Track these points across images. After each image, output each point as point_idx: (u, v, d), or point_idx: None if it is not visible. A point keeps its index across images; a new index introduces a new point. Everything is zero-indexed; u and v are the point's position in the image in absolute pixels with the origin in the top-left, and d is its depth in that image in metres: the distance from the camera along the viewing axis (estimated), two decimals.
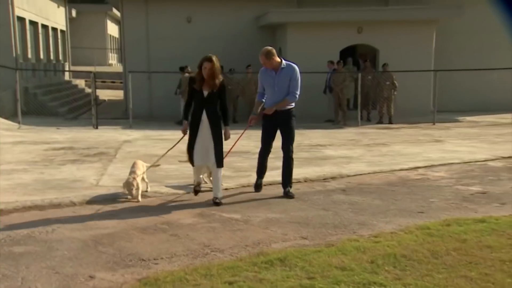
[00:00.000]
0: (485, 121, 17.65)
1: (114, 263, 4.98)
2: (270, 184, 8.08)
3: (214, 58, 6.96)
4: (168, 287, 4.33)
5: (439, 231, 5.76)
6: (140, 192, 7.22)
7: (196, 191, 7.39)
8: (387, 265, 4.78)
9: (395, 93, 17.40)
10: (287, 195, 7.41)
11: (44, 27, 24.32)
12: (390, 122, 17.31)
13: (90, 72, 19.59)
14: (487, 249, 5.22)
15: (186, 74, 17.92)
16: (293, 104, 7.46)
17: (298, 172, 8.32)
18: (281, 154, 7.61)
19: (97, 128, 16.04)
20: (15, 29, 19.62)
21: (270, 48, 7.44)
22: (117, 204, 7.17)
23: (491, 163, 10.17)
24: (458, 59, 19.44)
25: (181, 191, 7.74)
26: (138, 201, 7.11)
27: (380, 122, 17.53)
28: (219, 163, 7.04)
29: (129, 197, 7.17)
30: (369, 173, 9.14)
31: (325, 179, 8.64)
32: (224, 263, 4.91)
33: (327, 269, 4.69)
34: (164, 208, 6.95)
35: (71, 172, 9.14)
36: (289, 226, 6.10)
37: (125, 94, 20.17)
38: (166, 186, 8.11)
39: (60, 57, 27.33)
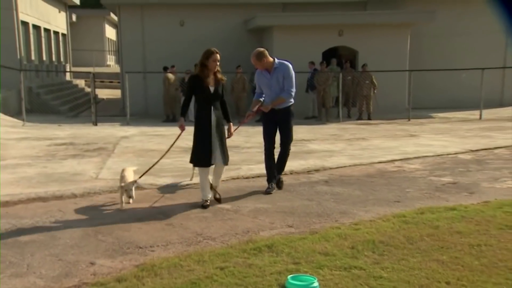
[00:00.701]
0: (455, 117, 17.77)
1: (113, 250, 4.97)
2: (258, 176, 8.08)
3: (217, 49, 6.51)
4: (163, 273, 4.33)
5: (414, 219, 5.80)
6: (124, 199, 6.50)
7: (206, 206, 6.43)
8: (367, 251, 4.80)
9: (375, 91, 17.47)
10: (277, 184, 7.26)
11: (46, 30, 24.24)
12: (369, 118, 17.37)
13: (90, 72, 19.54)
14: (457, 234, 5.26)
15: (169, 74, 17.96)
16: (292, 101, 7.09)
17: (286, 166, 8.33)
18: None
19: (96, 125, 15.99)
20: (19, 33, 19.63)
21: (261, 49, 7.08)
22: (115, 195, 7.14)
23: (461, 156, 10.23)
24: (431, 60, 19.55)
25: (175, 183, 7.73)
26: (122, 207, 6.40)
27: (360, 118, 17.58)
28: (227, 160, 6.61)
29: (131, 201, 6.55)
30: (350, 165, 9.16)
31: (309, 172, 8.66)
32: (215, 250, 4.91)
33: (311, 254, 4.71)
34: (160, 199, 6.94)
35: (72, 166, 9.11)
36: (276, 215, 6.11)
37: (122, 93, 20.13)
38: (161, 178, 8.08)
39: (61, 59, 27.24)
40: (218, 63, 6.42)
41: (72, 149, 11.02)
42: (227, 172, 8.42)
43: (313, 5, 20.07)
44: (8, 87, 17.93)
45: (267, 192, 7.06)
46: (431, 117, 17.90)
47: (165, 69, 18.16)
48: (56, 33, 26.07)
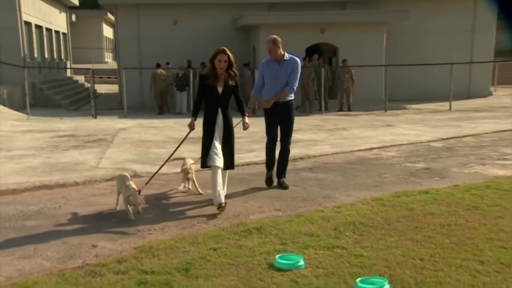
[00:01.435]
0: (427, 108, 17.86)
1: (113, 234, 4.95)
2: (248, 164, 8.09)
3: (227, 49, 5.65)
4: (160, 254, 4.32)
5: (391, 202, 5.84)
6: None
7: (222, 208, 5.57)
8: (348, 231, 4.83)
9: (354, 84, 17.50)
10: (281, 185, 6.61)
11: (48, 30, 24.04)
12: (349, 110, 17.39)
13: (89, 69, 19.31)
14: (430, 215, 5.31)
15: (157, 71, 17.91)
16: (293, 95, 6.54)
17: None
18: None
19: (95, 117, 15.88)
20: (22, 32, 19.49)
21: (276, 36, 6.47)
22: (114, 183, 7.10)
23: (433, 144, 10.30)
24: (405, 56, 19.61)
25: (170, 172, 7.70)
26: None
27: (340, 110, 17.59)
28: (231, 164, 5.90)
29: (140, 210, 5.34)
30: (332, 153, 9.19)
31: (294, 160, 8.64)
32: (208, 233, 4.91)
33: (297, 236, 4.73)
34: (156, 186, 6.91)
35: (74, 156, 9.05)
36: (264, 200, 6.11)
37: (120, 88, 20.01)
38: (157, 167, 8.04)
39: (62, 56, 27.03)
40: (227, 63, 5.61)
41: (73, 141, 10.94)
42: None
43: (297, 4, 20.03)
44: (13, 83, 17.85)
45: (267, 178, 6.67)
46: (405, 108, 17.97)
47: (158, 65, 18.08)
48: (57, 32, 25.87)
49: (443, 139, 10.84)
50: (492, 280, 3.77)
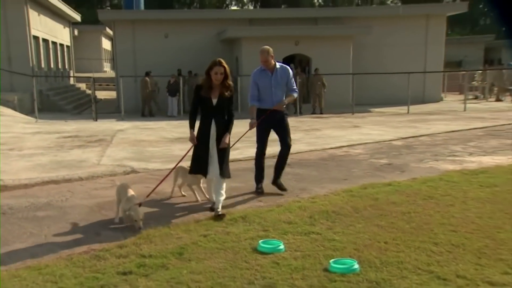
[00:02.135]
0: (389, 111, 18.01)
1: (114, 223, 4.92)
2: (232, 161, 8.07)
3: (223, 61, 5.08)
4: (157, 240, 4.32)
5: (359, 193, 5.89)
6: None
7: (217, 214, 5.02)
8: (322, 219, 4.87)
9: (325, 90, 17.58)
10: (280, 187, 6.11)
11: (54, 43, 23.78)
12: (321, 113, 17.46)
13: (90, 77, 19.18)
14: (392, 204, 5.37)
15: (146, 78, 17.83)
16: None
17: (253, 152, 8.32)
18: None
19: (96, 120, 15.71)
20: (31, 45, 19.28)
21: (268, 47, 5.94)
22: (114, 177, 7.07)
23: (394, 142, 10.39)
24: (369, 65, 19.75)
25: (164, 168, 7.66)
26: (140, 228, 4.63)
27: (313, 113, 17.65)
28: (226, 173, 5.22)
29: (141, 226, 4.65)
30: (307, 151, 9.22)
31: (274, 156, 8.52)
32: (199, 221, 4.92)
33: (277, 223, 4.75)
34: (152, 181, 6.87)
35: (78, 155, 8.95)
36: (248, 192, 6.12)
37: (117, 94, 19.76)
38: (152, 163, 8.02)
39: (66, 66, 26.71)
40: (223, 75, 5.03)
41: (77, 141, 10.82)
42: None
43: (274, 20, 20.07)
44: (23, 90, 17.67)
45: (258, 191, 6.02)
46: (370, 111, 18.12)
47: (147, 74, 18.04)
48: (61, 45, 25.59)
49: (402, 138, 10.93)
50: (444, 258, 3.85)
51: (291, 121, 15.26)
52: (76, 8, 28.30)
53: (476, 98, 22.61)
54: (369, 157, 8.65)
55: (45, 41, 22.06)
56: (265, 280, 3.46)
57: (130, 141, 10.80)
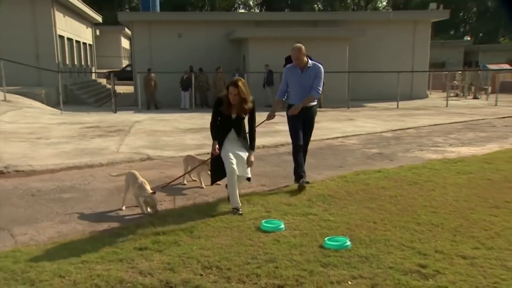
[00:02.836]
0: (380, 106, 17.94)
1: (132, 204, 4.95)
2: None
3: (240, 83, 4.47)
4: (170, 220, 4.34)
5: (352, 179, 5.92)
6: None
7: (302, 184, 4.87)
8: (319, 202, 4.89)
9: (324, 87, 17.47)
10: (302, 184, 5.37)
11: (77, 42, 23.75)
12: (320, 107, 17.26)
13: (110, 73, 19.17)
14: (381, 189, 5.39)
15: (152, 75, 17.75)
16: (315, 101, 5.61)
17: (258, 142, 8.28)
18: None
19: (115, 112, 15.71)
20: (57, 44, 19.26)
21: (301, 44, 5.44)
22: (132, 163, 7.11)
23: (384, 134, 10.39)
24: (363, 65, 19.63)
25: (177, 155, 7.71)
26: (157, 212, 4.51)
27: None
28: (251, 145, 4.72)
29: (147, 211, 4.57)
30: None
31: (276, 146, 8.70)
32: (208, 203, 4.95)
33: (279, 205, 4.78)
34: (165, 167, 6.92)
35: (99, 143, 8.99)
36: (252, 178, 6.02)
37: (135, 89, 19.80)
38: (166, 151, 8.05)
39: (89, 63, 26.70)
40: (237, 96, 4.46)
41: (98, 131, 10.86)
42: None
43: (278, 22, 19.94)
44: (50, 85, 17.67)
45: (301, 185, 5.34)
46: (364, 106, 18.05)
47: (149, 70, 18.00)
48: (84, 44, 25.55)
49: (392, 130, 10.94)
50: (425, 236, 3.88)
51: None
52: (98, 10, 28.18)
53: (456, 95, 22.67)
54: (362, 147, 8.66)
55: (70, 40, 22.06)
56: (267, 256, 3.49)
57: (146, 131, 10.83)
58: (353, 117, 13.94)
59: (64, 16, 20.74)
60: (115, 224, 4.31)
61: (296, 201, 4.91)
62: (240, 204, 4.62)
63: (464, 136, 9.94)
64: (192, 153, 6.33)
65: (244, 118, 4.68)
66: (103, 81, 27.77)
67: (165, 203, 5.01)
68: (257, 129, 4.86)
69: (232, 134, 4.65)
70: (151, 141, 9.26)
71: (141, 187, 4.58)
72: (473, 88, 22.41)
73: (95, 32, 30.11)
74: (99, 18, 27.27)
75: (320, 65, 5.49)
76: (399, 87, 17.58)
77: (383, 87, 19.87)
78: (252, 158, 4.61)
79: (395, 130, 10.98)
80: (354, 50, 19.33)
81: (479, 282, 3.07)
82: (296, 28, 19.15)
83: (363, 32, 18.91)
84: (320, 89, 5.43)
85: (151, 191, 4.56)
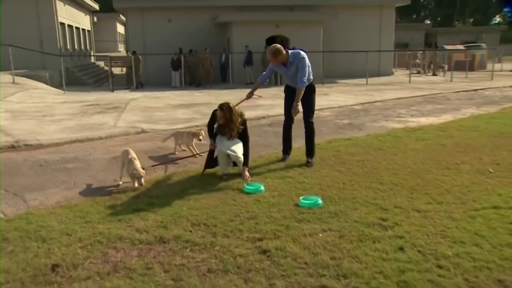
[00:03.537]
0: (352, 83, 17.92)
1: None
2: None
3: (225, 107, 4.28)
4: (162, 184, 4.40)
5: (325, 146, 5.98)
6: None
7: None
8: (295, 167, 4.95)
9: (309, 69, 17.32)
10: (307, 163, 5.01)
11: (77, 28, 23.17)
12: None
13: (107, 56, 18.71)
14: (351, 155, 5.47)
15: (139, 56, 17.37)
16: (311, 78, 5.11)
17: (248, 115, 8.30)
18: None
19: (113, 91, 15.42)
20: (58, 30, 18.85)
21: (278, 46, 4.88)
22: (128, 136, 7.04)
23: (355, 107, 10.45)
24: (336, 45, 19.49)
25: (169, 128, 7.64)
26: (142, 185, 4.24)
27: None
28: (245, 161, 4.48)
29: (136, 185, 4.27)
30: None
31: (258, 118, 8.69)
32: (196, 169, 4.95)
33: (260, 170, 4.81)
34: (158, 138, 6.86)
35: (98, 119, 8.84)
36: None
37: (133, 70, 19.35)
38: (158, 125, 7.97)
39: (88, 47, 26.04)
40: (223, 119, 4.34)
41: (97, 108, 10.66)
42: (200, 121, 8.27)
43: (259, 7, 19.50)
44: (53, 68, 17.36)
45: (283, 159, 5.20)
46: (337, 83, 18.03)
47: (134, 52, 17.61)
48: (83, 30, 24.93)
49: (361, 103, 10.99)
50: (387, 194, 3.98)
51: (273, 91, 15.20)
52: None
53: (418, 72, 22.80)
54: (334, 118, 8.70)
55: (70, 26, 21.53)
56: (249, 214, 3.54)
57: (141, 107, 10.67)
58: (327, 92, 13.93)
59: (64, 5, 20.24)
60: (114, 190, 4.30)
61: (275, 167, 4.95)
62: (228, 171, 4.58)
63: (424, 108, 10.06)
64: (181, 126, 6.33)
65: (236, 137, 4.46)
66: (101, 63, 27.13)
67: (158, 169, 5.00)
68: (242, 104, 4.84)
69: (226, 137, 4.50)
70: (145, 116, 9.15)
71: (130, 161, 4.37)
72: (432, 66, 22.70)
73: (93, 19, 29.27)
74: (96, 6, 26.63)
75: (302, 55, 4.92)
76: (368, 65, 17.55)
77: (354, 65, 19.82)
78: (247, 173, 4.39)
79: (364, 103, 11.04)
80: (327, 32, 19.16)
81: (429, 231, 3.18)
82: (275, 12, 18.85)
83: (335, 16, 18.71)
84: (305, 78, 4.88)
85: (139, 166, 4.30)
